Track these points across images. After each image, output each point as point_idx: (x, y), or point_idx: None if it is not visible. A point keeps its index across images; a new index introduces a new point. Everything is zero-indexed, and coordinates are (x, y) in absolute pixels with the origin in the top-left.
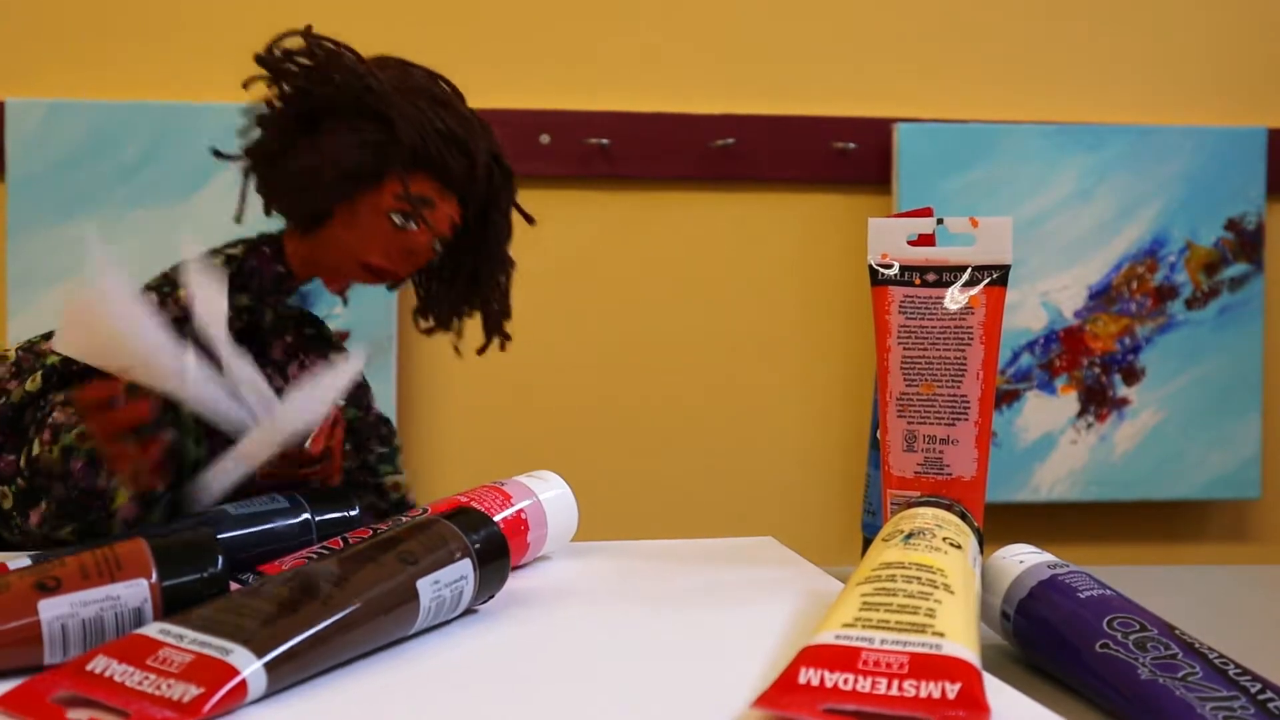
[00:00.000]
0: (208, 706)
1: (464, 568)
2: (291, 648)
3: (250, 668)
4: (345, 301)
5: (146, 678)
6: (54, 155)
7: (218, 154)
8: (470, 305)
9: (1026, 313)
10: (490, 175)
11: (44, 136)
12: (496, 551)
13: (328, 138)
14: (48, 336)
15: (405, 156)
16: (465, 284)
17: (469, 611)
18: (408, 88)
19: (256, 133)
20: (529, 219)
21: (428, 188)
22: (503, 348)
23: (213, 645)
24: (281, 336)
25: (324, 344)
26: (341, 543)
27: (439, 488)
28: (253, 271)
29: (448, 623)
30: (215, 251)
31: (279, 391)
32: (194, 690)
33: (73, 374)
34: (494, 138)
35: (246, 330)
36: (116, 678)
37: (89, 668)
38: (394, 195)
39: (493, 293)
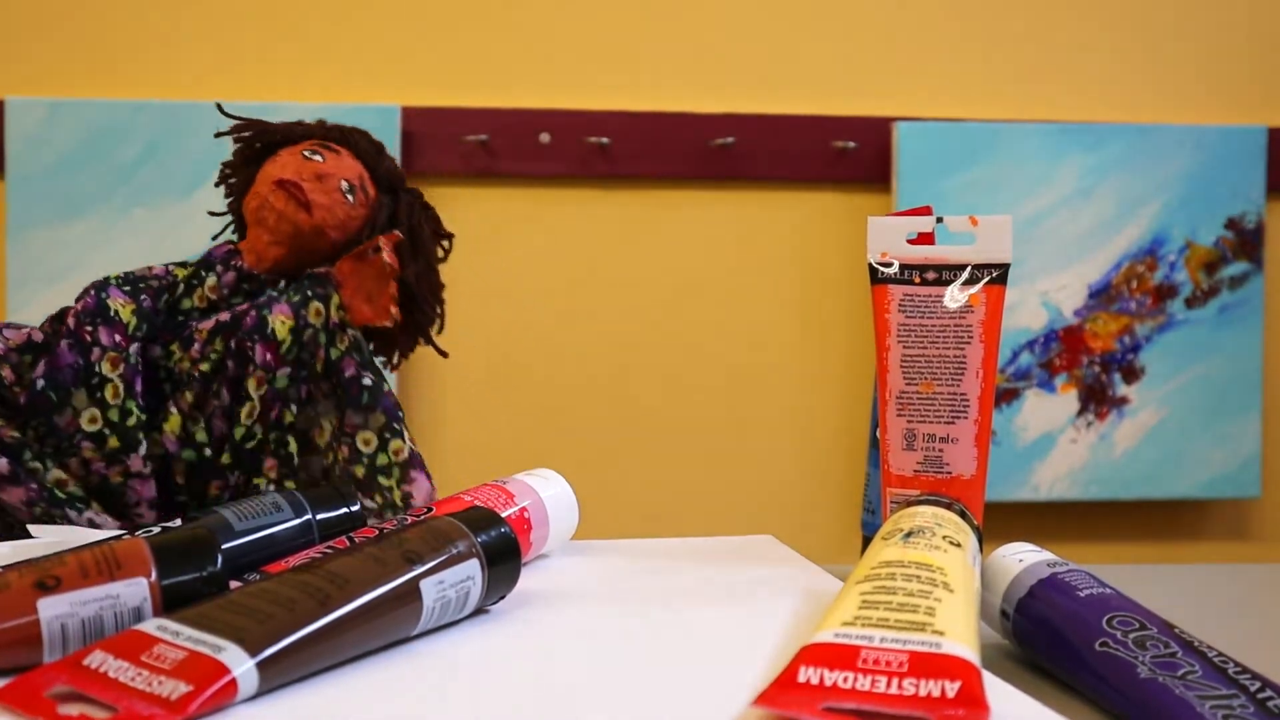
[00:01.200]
0: (195, 704)
1: (470, 568)
2: (285, 647)
3: (242, 666)
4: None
5: (139, 674)
6: (54, 155)
7: (214, 214)
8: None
9: (1026, 311)
10: (402, 182)
11: (44, 136)
12: (507, 552)
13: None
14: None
15: (333, 134)
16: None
17: (479, 612)
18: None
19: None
20: (448, 236)
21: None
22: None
23: (206, 643)
24: (231, 307)
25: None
26: (347, 542)
27: (440, 487)
28: (207, 257)
29: (455, 623)
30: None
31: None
32: (183, 688)
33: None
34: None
35: (168, 300)
36: (110, 673)
37: (85, 662)
38: (310, 141)
39: (430, 308)
